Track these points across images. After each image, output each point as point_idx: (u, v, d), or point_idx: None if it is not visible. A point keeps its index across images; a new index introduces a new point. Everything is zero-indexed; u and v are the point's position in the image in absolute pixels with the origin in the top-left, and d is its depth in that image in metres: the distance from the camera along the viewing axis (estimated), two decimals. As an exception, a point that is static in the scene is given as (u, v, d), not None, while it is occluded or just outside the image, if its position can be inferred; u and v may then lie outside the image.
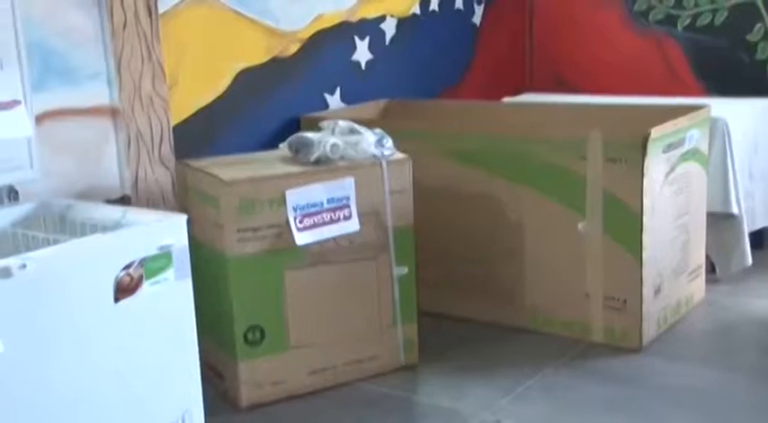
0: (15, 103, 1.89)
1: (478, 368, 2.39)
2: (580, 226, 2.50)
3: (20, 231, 1.87)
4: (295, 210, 2.19)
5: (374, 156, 2.30)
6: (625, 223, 2.43)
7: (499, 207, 2.62)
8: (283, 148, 2.36)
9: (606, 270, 2.48)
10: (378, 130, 2.35)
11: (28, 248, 1.79)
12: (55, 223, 1.92)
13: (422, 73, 3.42)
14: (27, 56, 1.92)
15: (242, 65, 2.69)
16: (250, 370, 2.19)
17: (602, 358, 2.43)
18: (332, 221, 2.24)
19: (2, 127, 1.87)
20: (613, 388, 2.26)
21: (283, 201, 2.17)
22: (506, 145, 2.59)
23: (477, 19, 3.71)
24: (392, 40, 3.26)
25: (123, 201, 2.30)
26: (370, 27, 3.16)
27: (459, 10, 3.61)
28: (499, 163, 2.59)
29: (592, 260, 2.50)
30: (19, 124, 1.90)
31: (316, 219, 2.22)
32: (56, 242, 1.76)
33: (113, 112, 2.28)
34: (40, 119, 2.04)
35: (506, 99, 3.53)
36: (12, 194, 1.95)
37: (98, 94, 2.24)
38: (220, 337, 2.24)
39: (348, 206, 2.26)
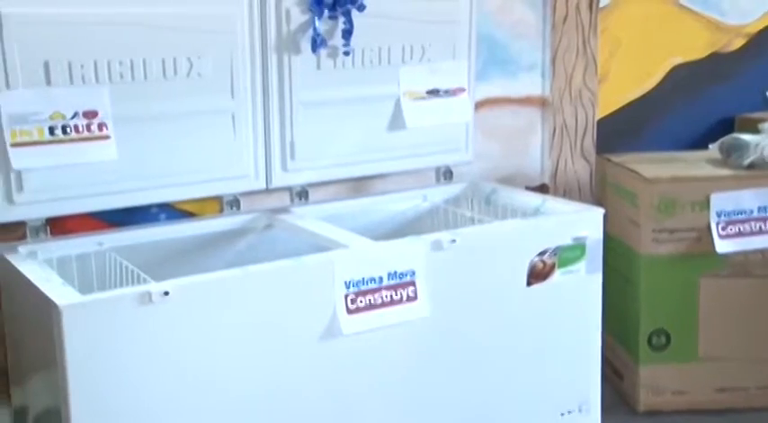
0: (461, 90, 2.05)
1: None
2: None
3: (450, 208, 2.04)
4: (719, 215, 2.06)
5: (820, 164, 2.06)
6: None
7: None
8: (713, 149, 2.24)
9: None
10: (828, 136, 2.11)
11: (456, 225, 1.94)
12: (480, 204, 2.06)
13: None
14: (476, 48, 2.06)
15: (678, 60, 2.60)
16: (651, 375, 2.13)
17: None
18: (761, 232, 2.07)
19: (448, 112, 2.04)
20: None
21: (707, 204, 2.06)
22: None
23: None
24: None
25: (542, 189, 2.38)
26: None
27: None
28: None
29: None
30: (461, 110, 2.06)
31: (742, 227, 2.07)
32: (480, 222, 1.89)
33: (543, 103, 2.36)
34: (478, 106, 2.19)
35: None
36: (447, 174, 2.13)
37: (531, 84, 2.34)
38: (623, 337, 2.20)
39: (780, 217, 2.06)
